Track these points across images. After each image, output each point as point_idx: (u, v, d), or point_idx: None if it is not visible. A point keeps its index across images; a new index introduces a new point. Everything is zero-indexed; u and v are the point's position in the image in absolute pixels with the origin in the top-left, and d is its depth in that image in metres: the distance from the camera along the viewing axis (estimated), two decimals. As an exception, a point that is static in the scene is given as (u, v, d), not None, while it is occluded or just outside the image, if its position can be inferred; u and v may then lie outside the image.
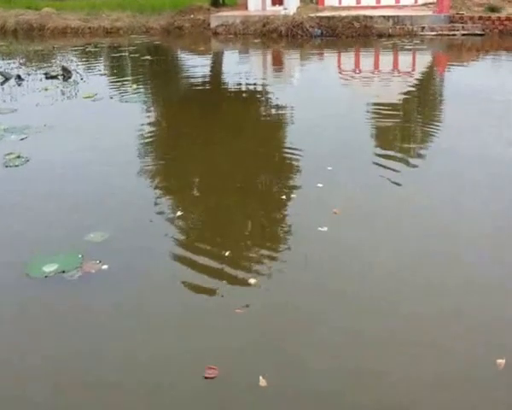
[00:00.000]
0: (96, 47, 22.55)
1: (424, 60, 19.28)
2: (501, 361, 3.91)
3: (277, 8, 26.38)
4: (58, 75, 15.32)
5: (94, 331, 4.45)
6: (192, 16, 26.89)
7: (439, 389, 3.73)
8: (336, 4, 26.98)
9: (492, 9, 23.51)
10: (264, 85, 14.88)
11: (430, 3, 25.62)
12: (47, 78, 15.17)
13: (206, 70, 18.05)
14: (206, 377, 3.88)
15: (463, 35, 22.35)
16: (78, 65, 17.60)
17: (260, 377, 3.85)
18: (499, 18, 22.81)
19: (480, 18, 22.89)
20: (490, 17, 22.88)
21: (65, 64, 16.62)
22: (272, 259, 5.50)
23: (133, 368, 4.05)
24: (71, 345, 4.29)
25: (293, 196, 6.96)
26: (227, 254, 5.55)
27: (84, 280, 5.11)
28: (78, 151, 8.86)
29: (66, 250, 5.61)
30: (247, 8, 27.35)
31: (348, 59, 19.87)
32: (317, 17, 23.98)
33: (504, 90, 12.79)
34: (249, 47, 22.48)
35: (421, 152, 8.76)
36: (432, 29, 22.82)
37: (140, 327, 4.50)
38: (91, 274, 5.20)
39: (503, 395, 3.68)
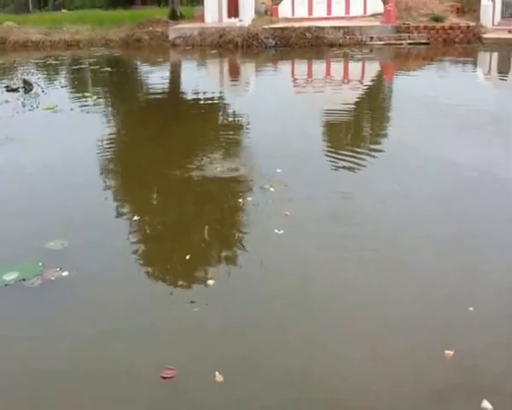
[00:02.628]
0: (56, 60, 22.21)
1: (373, 68, 19.66)
2: (448, 352, 4.01)
3: (233, 19, 26.46)
4: (19, 88, 15.05)
5: (55, 337, 4.41)
6: (151, 29, 26.78)
7: None
8: (289, 16, 27.18)
9: (436, 19, 24.09)
10: (220, 93, 14.95)
11: (378, 14, 26.07)
12: (8, 90, 14.88)
13: (165, 80, 18.01)
14: (163, 378, 3.87)
15: (410, 44, 22.87)
16: (39, 78, 17.33)
17: (216, 373, 3.87)
18: (443, 27, 23.44)
19: (425, 27, 23.46)
20: (434, 27, 23.48)
21: (26, 77, 16.33)
22: (232, 261, 5.55)
23: (92, 374, 4.01)
24: (32, 349, 4.26)
25: (249, 198, 6.98)
26: (187, 257, 5.56)
27: (45, 287, 5.06)
28: (38, 162, 8.73)
29: (27, 259, 5.54)
30: (203, 20, 27.36)
31: (301, 68, 20.08)
32: (272, 28, 24.18)
33: (448, 95, 13.13)
34: (206, 58, 22.51)
35: (371, 153, 8.89)
36: (380, 39, 23.27)
37: (98, 330, 4.47)
38: (51, 281, 5.14)
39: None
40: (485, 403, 3.55)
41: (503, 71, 18.67)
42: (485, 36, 22.87)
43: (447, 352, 4.01)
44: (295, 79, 17.89)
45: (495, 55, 21.05)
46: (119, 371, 4.02)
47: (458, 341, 4.16)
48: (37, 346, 4.30)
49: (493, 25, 24.20)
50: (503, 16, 24.44)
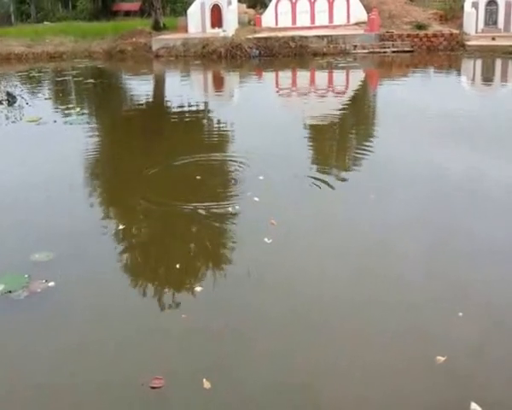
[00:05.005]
0: (40, 72, 22.23)
1: (357, 77, 19.82)
2: (439, 358, 4.06)
3: (216, 30, 26.65)
4: (2, 100, 15.01)
5: (41, 347, 4.44)
6: (134, 40, 26.89)
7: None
8: (273, 25, 27.38)
9: (420, 27, 24.41)
10: (205, 104, 15.02)
11: (361, 23, 26.32)
12: (-9, 104, 14.89)
13: (149, 91, 18.09)
14: (152, 387, 3.89)
15: (393, 52, 23.11)
16: (22, 90, 17.28)
17: (204, 380, 3.92)
18: (426, 35, 23.75)
19: (409, 35, 23.74)
20: (418, 34, 23.77)
21: (9, 89, 16.30)
22: (225, 269, 5.61)
23: (78, 384, 4.02)
24: (19, 362, 4.28)
25: (236, 208, 7.00)
26: (177, 266, 5.61)
27: (30, 299, 5.08)
28: (21, 174, 8.73)
29: (13, 271, 5.54)
30: (187, 30, 27.53)
31: (285, 77, 20.22)
32: (255, 38, 24.37)
33: (432, 102, 13.33)
34: (190, 68, 22.61)
35: (355, 160, 9.02)
36: (364, 47, 23.49)
37: (86, 339, 4.49)
38: (37, 293, 5.16)
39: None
40: (474, 405, 3.61)
41: (486, 77, 18.97)
42: (468, 43, 23.22)
43: (439, 357, 4.07)
44: (279, 89, 18.02)
45: (479, 61, 21.36)
46: (106, 381, 4.05)
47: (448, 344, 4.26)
48: (22, 357, 4.33)
49: (476, 32, 24.63)
50: (486, 23, 24.91)
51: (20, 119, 12.98)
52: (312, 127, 11.42)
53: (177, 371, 4.08)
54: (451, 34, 23.73)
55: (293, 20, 27.45)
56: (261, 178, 7.98)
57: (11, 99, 15.00)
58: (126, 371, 4.12)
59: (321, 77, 19.62)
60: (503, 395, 3.76)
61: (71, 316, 4.87)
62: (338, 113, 12.88)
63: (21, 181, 8.48)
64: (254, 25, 27.68)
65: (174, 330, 4.59)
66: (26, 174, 8.78)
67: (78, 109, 13.98)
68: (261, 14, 28.75)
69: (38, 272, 5.51)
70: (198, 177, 8.19)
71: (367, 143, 10.07)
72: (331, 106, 13.77)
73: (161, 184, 8.21)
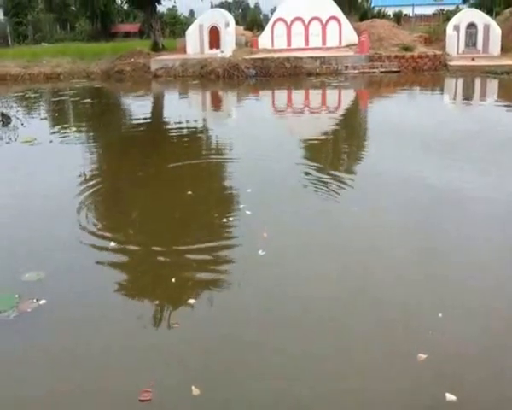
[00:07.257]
0: (36, 92, 22.13)
1: (348, 95, 20.02)
2: (421, 355, 4.13)
3: (215, 51, 26.83)
4: (-3, 122, 14.88)
5: (28, 367, 4.33)
6: (132, 60, 26.89)
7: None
8: (269, 47, 27.64)
9: (406, 49, 24.97)
10: (203, 123, 15.01)
11: (352, 45, 26.71)
12: (-15, 125, 14.69)
13: (147, 111, 17.99)
14: (141, 401, 3.80)
15: (382, 72, 23.54)
16: (18, 111, 17.02)
17: (193, 387, 3.87)
18: (412, 56, 24.32)
19: (396, 57, 24.26)
20: (404, 55, 24.33)
21: (4, 110, 16.07)
22: (225, 281, 5.57)
23: (69, 402, 3.93)
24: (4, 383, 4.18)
25: (229, 219, 7.02)
26: (173, 280, 5.53)
27: (20, 319, 4.96)
28: (13, 196, 8.53)
29: (3, 291, 5.40)
30: (185, 51, 27.67)
31: (281, 96, 20.32)
32: (252, 59, 24.53)
33: (418, 119, 13.52)
34: (189, 88, 22.65)
35: (347, 172, 9.04)
36: (354, 67, 23.78)
37: (79, 352, 4.41)
38: (27, 313, 5.03)
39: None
40: (449, 395, 3.76)
41: (467, 96, 19.46)
42: (450, 63, 23.88)
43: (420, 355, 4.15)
44: (275, 107, 18.10)
45: (460, 80, 21.96)
46: (99, 394, 3.97)
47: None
48: (9, 377, 4.23)
49: (458, 53, 25.53)
50: (466, 45, 25.87)
51: (15, 139, 12.70)
52: (305, 142, 11.43)
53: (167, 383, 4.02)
54: (435, 55, 24.32)
55: (289, 42, 27.75)
56: (249, 190, 8.05)
57: (5, 120, 14.71)
58: (119, 387, 4.03)
59: (315, 95, 19.81)
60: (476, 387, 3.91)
61: (61, 335, 4.76)
62: (330, 128, 12.96)
63: (14, 201, 8.28)
64: (251, 46, 27.89)
65: (167, 342, 4.54)
66: (18, 194, 8.61)
67: (74, 129, 13.89)
68: (258, 35, 29.01)
69: (29, 291, 5.38)
70: (189, 192, 8.19)
71: (357, 157, 10.19)
72: (324, 122, 13.87)
73: (153, 199, 8.16)
